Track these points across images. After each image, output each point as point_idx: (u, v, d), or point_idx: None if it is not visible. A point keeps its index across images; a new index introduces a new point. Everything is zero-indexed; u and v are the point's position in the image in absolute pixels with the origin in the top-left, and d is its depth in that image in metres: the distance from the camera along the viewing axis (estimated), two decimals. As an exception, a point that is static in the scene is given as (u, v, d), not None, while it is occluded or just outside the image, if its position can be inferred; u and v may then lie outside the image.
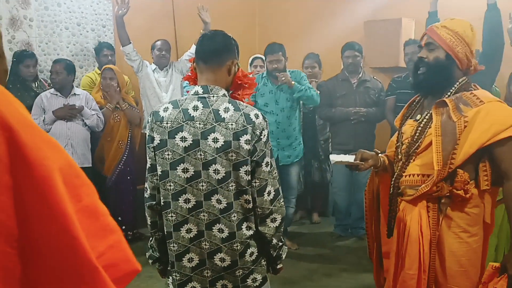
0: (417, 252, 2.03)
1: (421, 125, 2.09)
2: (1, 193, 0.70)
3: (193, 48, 4.66)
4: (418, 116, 2.15)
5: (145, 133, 2.11)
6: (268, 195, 1.87)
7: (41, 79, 4.42)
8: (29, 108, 4.10)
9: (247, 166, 1.83)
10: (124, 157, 4.51)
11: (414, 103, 2.25)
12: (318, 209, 5.27)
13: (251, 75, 2.05)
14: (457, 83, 2.06)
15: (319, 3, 5.74)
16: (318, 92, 4.73)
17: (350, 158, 2.24)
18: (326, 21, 5.62)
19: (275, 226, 1.91)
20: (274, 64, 4.12)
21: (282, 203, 1.92)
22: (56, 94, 4.15)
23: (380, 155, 2.29)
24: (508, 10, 3.92)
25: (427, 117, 2.09)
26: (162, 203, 1.94)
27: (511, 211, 1.97)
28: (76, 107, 4.11)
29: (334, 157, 2.25)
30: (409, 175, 2.10)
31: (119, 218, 4.48)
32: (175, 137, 1.86)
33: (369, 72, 4.94)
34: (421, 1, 4.33)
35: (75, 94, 4.23)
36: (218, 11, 4.70)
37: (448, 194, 1.98)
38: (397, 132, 2.29)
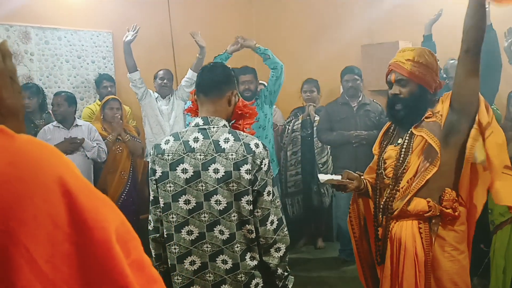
0: (413, 275, 2.07)
1: (404, 145, 2.16)
2: (63, 263, 0.69)
3: (189, 73, 4.71)
4: (399, 140, 2.22)
5: (148, 162, 2.12)
6: (271, 225, 1.86)
7: (49, 111, 4.43)
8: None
9: (249, 196, 1.83)
10: (127, 188, 4.50)
11: (390, 130, 2.33)
12: (322, 234, 5.22)
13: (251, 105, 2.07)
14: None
15: (315, 28, 5.82)
16: (316, 116, 4.77)
17: (337, 178, 2.29)
18: (324, 45, 5.68)
19: (279, 255, 1.90)
20: (246, 85, 4.23)
21: (286, 232, 1.92)
22: (58, 126, 4.16)
23: (362, 177, 2.34)
24: (504, 30, 3.96)
25: (407, 137, 2.17)
26: (165, 235, 1.93)
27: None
28: (78, 140, 4.11)
29: (322, 177, 2.29)
30: (401, 188, 2.15)
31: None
32: (176, 169, 1.86)
33: (367, 95, 4.97)
34: (417, 24, 4.39)
35: (77, 125, 4.23)
36: (215, 42, 4.76)
37: (438, 214, 2.06)
38: (375, 158, 2.35)
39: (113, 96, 4.59)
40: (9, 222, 0.66)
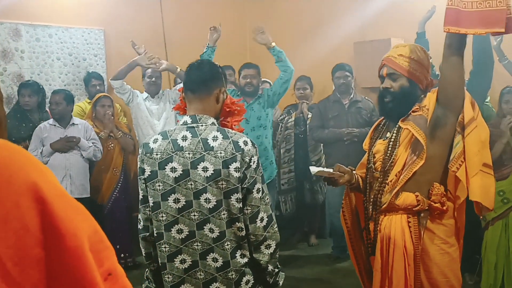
0: (403, 268, 2.10)
1: (392, 139, 2.20)
2: (32, 267, 0.70)
3: None
4: (388, 134, 2.26)
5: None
6: (261, 222, 1.86)
7: (47, 110, 4.38)
8: (27, 139, 4.10)
9: (238, 194, 1.82)
10: (119, 185, 4.49)
11: (380, 126, 2.38)
12: (315, 231, 5.23)
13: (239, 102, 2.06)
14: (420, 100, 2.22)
15: (308, 25, 5.81)
16: (309, 113, 4.76)
17: (328, 170, 2.30)
18: (316, 42, 5.68)
19: (269, 252, 1.90)
20: (248, 79, 4.14)
21: (276, 228, 1.92)
22: (55, 125, 4.13)
23: (354, 172, 2.36)
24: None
25: (395, 131, 2.20)
26: (155, 234, 1.93)
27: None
28: (74, 139, 4.08)
29: (313, 169, 2.29)
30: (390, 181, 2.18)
31: (117, 247, 4.43)
32: (165, 168, 1.86)
33: (360, 92, 4.97)
34: (409, 21, 4.39)
35: (73, 124, 4.19)
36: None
37: (427, 208, 2.09)
38: (366, 153, 2.38)
39: (104, 94, 4.57)
40: None
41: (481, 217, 3.55)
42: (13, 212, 0.68)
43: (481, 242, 3.64)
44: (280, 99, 4.28)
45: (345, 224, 2.47)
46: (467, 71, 4.03)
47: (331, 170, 2.29)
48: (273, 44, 4.01)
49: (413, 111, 2.17)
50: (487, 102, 3.93)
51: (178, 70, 4.18)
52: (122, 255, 4.48)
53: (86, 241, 0.74)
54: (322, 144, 4.82)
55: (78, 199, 4.24)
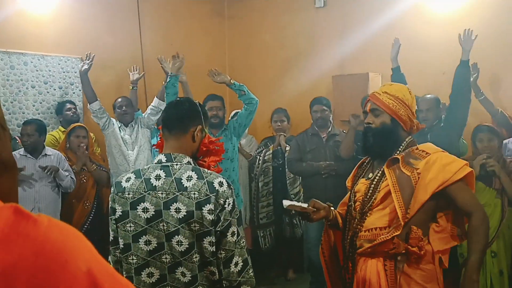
0: None
1: (374, 182, 2.16)
2: None
3: (155, 101, 4.65)
4: (370, 175, 2.23)
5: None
6: (235, 266, 1.79)
7: (15, 137, 4.26)
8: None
9: (211, 237, 1.76)
10: (90, 218, 4.35)
11: (365, 164, 2.35)
12: (293, 266, 5.14)
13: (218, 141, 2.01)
14: (404, 142, 2.18)
15: (287, 57, 5.85)
16: (286, 146, 4.74)
17: (302, 205, 2.24)
18: (295, 75, 5.72)
19: (244, 298, 1.82)
20: (214, 111, 4.09)
21: (251, 273, 1.84)
22: (26, 155, 4.01)
23: (332, 208, 2.31)
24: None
25: (379, 174, 2.17)
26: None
27: (471, 243, 2.06)
28: (51, 168, 3.94)
29: (286, 202, 2.23)
30: (368, 230, 2.14)
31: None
32: (137, 208, 1.79)
33: (338, 125, 4.99)
34: (387, 56, 4.44)
35: (46, 154, 4.08)
36: (186, 68, 4.71)
37: (404, 251, 2.03)
38: (349, 192, 2.35)
39: (79, 124, 4.48)
40: None
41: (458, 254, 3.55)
42: None
43: (459, 279, 3.62)
44: (245, 130, 4.27)
45: (323, 260, 2.42)
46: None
47: (305, 205, 2.24)
48: (232, 81, 3.99)
49: (406, 161, 2.10)
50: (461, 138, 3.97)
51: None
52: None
53: None
54: (300, 177, 4.78)
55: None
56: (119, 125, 4.55)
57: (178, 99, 1.98)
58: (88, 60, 4.44)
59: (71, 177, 4.10)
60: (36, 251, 0.63)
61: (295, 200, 4.84)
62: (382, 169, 2.15)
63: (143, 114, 4.72)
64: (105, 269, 0.70)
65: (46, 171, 3.92)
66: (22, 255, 0.62)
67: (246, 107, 4.03)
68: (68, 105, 4.71)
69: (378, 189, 2.13)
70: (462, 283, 2.06)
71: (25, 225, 0.64)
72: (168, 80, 4.00)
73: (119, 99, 4.62)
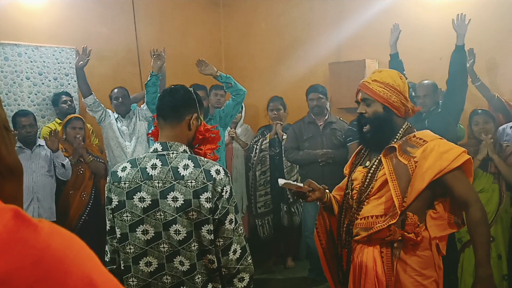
0: None
1: (371, 170, 2.15)
2: None
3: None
4: (367, 163, 2.20)
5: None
6: (233, 254, 1.78)
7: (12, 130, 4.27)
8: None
9: (209, 225, 1.75)
10: (88, 209, 4.34)
11: (362, 151, 2.33)
12: (291, 254, 5.16)
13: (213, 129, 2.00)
14: (401, 129, 2.15)
15: (284, 46, 5.82)
16: (283, 135, 4.73)
17: (297, 184, 2.24)
18: (292, 63, 5.68)
19: (243, 286, 1.83)
20: (219, 97, 4.22)
21: (250, 260, 1.84)
22: (20, 146, 4.00)
23: (327, 191, 2.30)
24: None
25: (376, 162, 2.15)
26: (122, 267, 1.84)
27: (475, 237, 2.03)
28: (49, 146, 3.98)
29: (281, 181, 2.21)
30: (364, 218, 2.13)
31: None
32: (134, 198, 1.78)
33: (335, 112, 4.97)
34: (383, 42, 4.43)
35: (39, 145, 4.10)
36: (183, 58, 4.69)
37: (400, 238, 2.02)
38: (346, 178, 2.33)
39: (76, 115, 4.45)
40: None
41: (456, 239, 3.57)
42: None
43: (457, 264, 3.64)
44: (232, 120, 4.27)
45: (320, 244, 2.40)
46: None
47: (300, 185, 2.23)
48: (219, 72, 3.97)
49: (403, 149, 2.08)
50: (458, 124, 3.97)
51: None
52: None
53: None
54: (297, 166, 4.78)
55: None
56: (116, 116, 4.53)
57: (172, 86, 1.95)
58: (84, 55, 4.36)
59: (68, 164, 4.11)
60: (35, 260, 0.59)
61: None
62: (379, 158, 2.13)
63: (142, 106, 4.69)
64: (108, 279, 0.68)
65: (48, 147, 3.96)
66: (20, 263, 0.59)
67: (233, 97, 4.03)
68: (64, 97, 4.68)
69: (375, 178, 2.12)
70: (475, 281, 2.03)
71: (25, 231, 0.61)
72: (149, 78, 4.00)
73: (115, 90, 4.59)
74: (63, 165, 4.06)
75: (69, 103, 4.67)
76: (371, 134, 2.16)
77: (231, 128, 4.77)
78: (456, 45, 3.74)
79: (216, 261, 1.79)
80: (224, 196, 1.77)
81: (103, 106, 4.46)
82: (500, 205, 3.53)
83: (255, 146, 4.92)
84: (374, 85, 2.12)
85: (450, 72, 3.76)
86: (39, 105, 4.83)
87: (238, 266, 1.79)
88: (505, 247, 3.57)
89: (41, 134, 4.60)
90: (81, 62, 4.34)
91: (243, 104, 5.14)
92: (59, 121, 4.65)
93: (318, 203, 2.34)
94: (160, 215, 1.75)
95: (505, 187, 3.53)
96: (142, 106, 4.66)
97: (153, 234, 1.77)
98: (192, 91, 1.95)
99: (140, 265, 1.79)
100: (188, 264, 1.76)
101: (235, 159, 5.06)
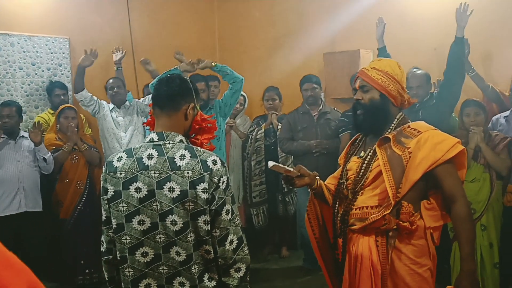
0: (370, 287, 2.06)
1: (366, 161, 2.16)
2: None
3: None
4: (362, 153, 2.22)
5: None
6: (230, 244, 1.79)
7: None
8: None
9: (206, 216, 1.75)
10: (83, 198, 4.34)
11: (357, 141, 2.33)
12: (286, 243, 5.19)
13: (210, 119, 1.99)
14: (396, 119, 2.17)
15: (278, 36, 5.80)
16: (279, 124, 4.73)
17: (287, 168, 2.24)
18: (286, 53, 5.67)
19: (239, 276, 1.83)
20: (213, 88, 4.22)
21: (247, 251, 1.84)
22: (4, 137, 4.01)
23: (317, 178, 2.30)
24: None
25: (370, 153, 2.16)
26: (118, 258, 1.84)
27: (460, 233, 2.04)
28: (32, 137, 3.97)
29: (271, 163, 2.19)
30: (359, 208, 2.14)
31: (82, 262, 4.29)
32: (130, 188, 1.78)
33: (330, 102, 4.98)
34: (377, 32, 4.41)
35: (23, 136, 4.13)
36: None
37: (395, 227, 2.03)
38: (340, 168, 2.34)
39: (68, 105, 4.44)
40: None
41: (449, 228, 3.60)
42: None
43: (450, 253, 3.67)
44: (231, 110, 4.24)
45: (311, 231, 2.40)
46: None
47: (290, 169, 2.23)
48: (214, 63, 3.95)
49: (398, 140, 2.08)
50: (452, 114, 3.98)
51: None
52: (87, 270, 4.33)
53: None
54: (292, 156, 4.79)
55: (32, 213, 4.05)
56: (112, 107, 4.51)
57: (168, 76, 1.93)
58: (91, 55, 4.35)
59: (50, 158, 4.12)
60: None
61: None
62: (373, 148, 2.14)
63: (141, 100, 4.65)
64: None
65: (31, 139, 3.97)
66: None
67: (231, 86, 4.02)
68: (57, 91, 4.65)
69: (369, 169, 2.13)
70: (460, 276, 2.02)
71: None
72: (170, 70, 4.00)
73: (111, 80, 4.57)
74: (44, 159, 4.06)
75: (62, 97, 4.65)
76: (364, 117, 2.18)
77: (230, 118, 4.76)
78: (456, 36, 3.73)
79: (212, 252, 1.79)
80: (221, 187, 1.77)
81: (95, 99, 4.43)
82: (491, 194, 3.56)
83: (250, 136, 4.93)
84: (372, 72, 2.15)
85: (449, 64, 3.74)
86: (32, 95, 4.80)
87: (234, 257, 1.80)
88: (497, 235, 3.60)
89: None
90: (86, 62, 4.30)
91: (246, 96, 5.14)
92: (51, 111, 4.63)
93: (308, 189, 2.34)
94: (157, 205, 1.75)
95: (495, 176, 3.56)
96: (141, 99, 4.64)
97: (149, 225, 1.77)
98: (189, 81, 1.94)
99: (136, 255, 1.79)
100: (185, 254, 1.77)
101: (233, 149, 5.07)
